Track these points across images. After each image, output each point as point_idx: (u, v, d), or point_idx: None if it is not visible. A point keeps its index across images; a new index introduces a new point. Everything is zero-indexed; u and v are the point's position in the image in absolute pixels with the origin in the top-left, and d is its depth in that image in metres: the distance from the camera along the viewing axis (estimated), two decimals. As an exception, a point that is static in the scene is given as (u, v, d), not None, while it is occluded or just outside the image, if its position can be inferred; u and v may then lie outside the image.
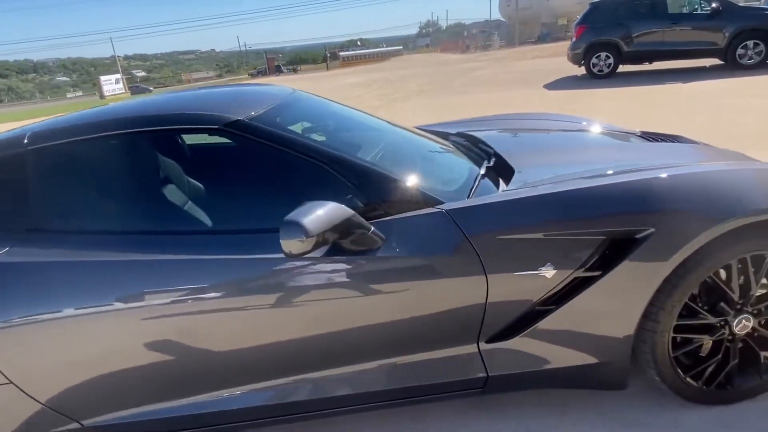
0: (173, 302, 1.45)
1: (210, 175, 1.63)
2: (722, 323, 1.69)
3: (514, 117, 3.14)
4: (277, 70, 43.67)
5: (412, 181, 1.63)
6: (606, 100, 8.19)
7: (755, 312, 1.69)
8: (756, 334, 1.73)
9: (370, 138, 2.07)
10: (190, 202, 1.63)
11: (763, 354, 1.73)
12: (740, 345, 1.73)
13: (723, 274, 1.66)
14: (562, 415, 1.81)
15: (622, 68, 10.76)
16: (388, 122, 2.43)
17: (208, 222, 1.59)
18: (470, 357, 1.63)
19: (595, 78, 10.71)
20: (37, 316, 1.45)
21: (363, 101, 12.82)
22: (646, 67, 10.94)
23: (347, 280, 1.49)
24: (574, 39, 11.13)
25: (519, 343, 1.62)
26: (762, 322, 1.72)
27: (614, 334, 1.62)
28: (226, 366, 1.57)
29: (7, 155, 1.62)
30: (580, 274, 1.55)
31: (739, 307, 1.68)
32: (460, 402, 1.90)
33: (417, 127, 2.93)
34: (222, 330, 1.51)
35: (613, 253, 1.55)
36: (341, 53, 47.36)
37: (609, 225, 1.54)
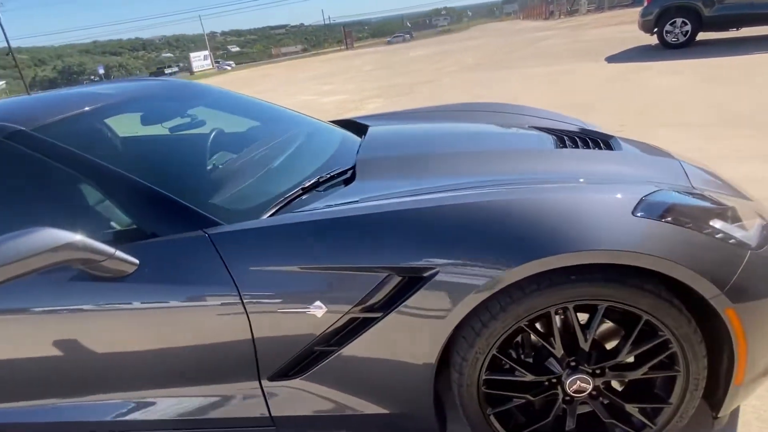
0: None
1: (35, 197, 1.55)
2: (552, 381, 1.39)
3: (467, 108, 2.81)
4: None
5: (188, 197, 1.47)
6: (664, 75, 7.21)
7: (596, 372, 1.36)
8: (600, 398, 1.40)
9: (207, 142, 1.93)
10: None
11: (608, 422, 1.40)
12: (582, 408, 1.42)
13: (543, 324, 1.35)
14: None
15: (702, 36, 9.39)
16: (274, 116, 2.28)
17: None
18: (253, 394, 1.48)
19: (669, 48, 9.46)
20: None
21: (414, 77, 12.47)
22: (732, 34, 9.45)
23: (99, 307, 1.39)
24: (645, 3, 9.87)
25: (303, 384, 1.43)
26: (607, 385, 1.39)
27: (406, 384, 1.39)
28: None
29: None
30: (357, 314, 1.33)
31: (573, 364, 1.37)
32: None
33: (340, 120, 2.72)
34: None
35: (400, 292, 1.31)
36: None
37: (388, 260, 1.29)
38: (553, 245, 1.19)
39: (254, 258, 1.35)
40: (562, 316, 1.33)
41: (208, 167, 1.77)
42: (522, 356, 1.43)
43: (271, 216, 1.50)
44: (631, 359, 1.37)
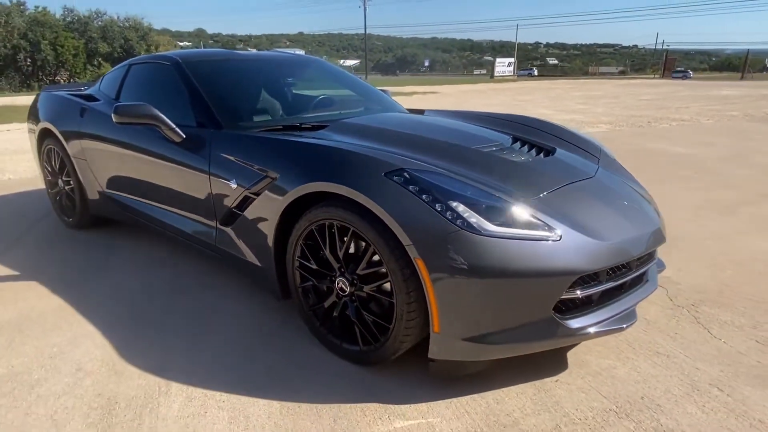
0: (143, 155, 2.87)
1: (176, 96, 2.90)
2: (332, 277, 1.99)
3: (501, 116, 3.05)
4: None
5: (224, 112, 2.57)
6: None
7: (353, 280, 1.91)
8: (354, 303, 1.93)
9: (282, 88, 3.08)
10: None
11: (354, 322, 1.93)
12: (348, 306, 1.97)
13: (326, 231, 1.94)
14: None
15: None
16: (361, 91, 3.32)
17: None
18: (211, 229, 2.52)
19: None
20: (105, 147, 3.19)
21: (672, 113, 11.15)
22: None
23: (163, 154, 2.64)
24: None
25: (231, 232, 2.39)
26: (357, 292, 1.91)
27: (262, 246, 2.20)
28: (154, 194, 2.98)
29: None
30: (247, 193, 2.21)
31: (342, 270, 1.95)
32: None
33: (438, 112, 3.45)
34: (149, 174, 2.91)
35: (265, 186, 2.13)
36: None
37: (262, 164, 2.13)
38: (321, 177, 1.86)
39: (223, 149, 2.35)
40: (331, 230, 1.92)
41: (260, 101, 2.87)
42: (321, 254, 2.05)
43: (254, 132, 2.47)
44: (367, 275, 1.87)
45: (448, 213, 1.66)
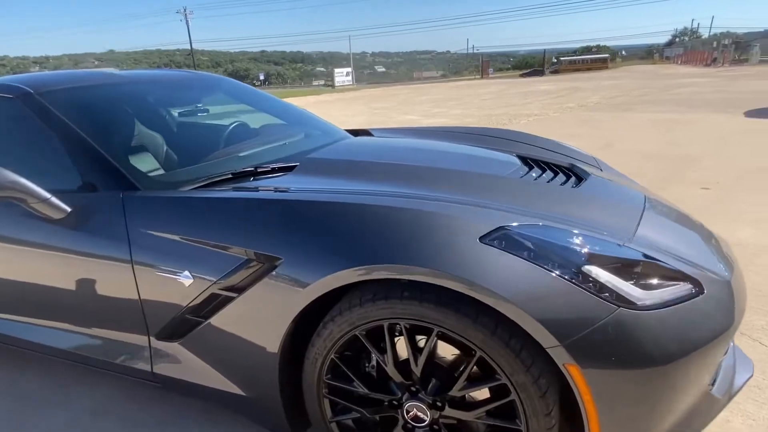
0: None
1: (32, 148, 1.87)
2: (393, 403, 1.32)
3: (476, 132, 2.66)
4: None
5: (123, 162, 1.67)
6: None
7: (436, 403, 1.26)
8: (440, 433, 1.29)
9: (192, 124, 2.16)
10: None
11: (446, 465, 1.29)
12: (424, 441, 1.32)
13: (383, 337, 1.28)
14: None
15: None
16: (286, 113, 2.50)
17: None
18: (142, 348, 1.61)
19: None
20: None
21: (522, 109, 12.11)
22: None
23: (31, 240, 1.64)
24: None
25: (180, 349, 1.53)
26: (446, 420, 1.28)
27: (254, 370, 1.41)
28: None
29: None
30: (217, 289, 1.40)
31: (414, 389, 1.29)
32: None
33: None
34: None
35: (254, 276, 1.35)
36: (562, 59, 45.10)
37: (245, 243, 1.35)
38: (373, 256, 1.16)
39: (150, 222, 1.49)
40: (396, 333, 1.26)
41: (179, 140, 1.98)
42: (367, 368, 1.37)
43: (196, 189, 1.63)
44: (471, 398, 1.26)
45: (590, 285, 1.13)
